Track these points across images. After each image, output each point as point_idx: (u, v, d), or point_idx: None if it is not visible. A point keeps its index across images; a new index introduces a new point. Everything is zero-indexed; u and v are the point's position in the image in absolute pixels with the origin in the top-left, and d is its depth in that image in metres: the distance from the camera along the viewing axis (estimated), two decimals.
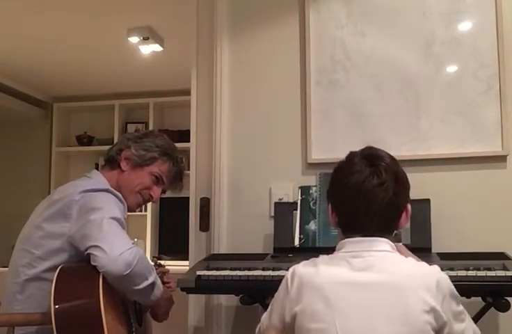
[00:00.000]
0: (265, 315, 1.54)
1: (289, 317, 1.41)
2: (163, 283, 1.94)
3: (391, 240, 1.47)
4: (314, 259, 1.46)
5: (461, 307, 1.42)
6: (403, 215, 1.48)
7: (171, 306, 1.98)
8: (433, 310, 1.33)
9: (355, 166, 1.46)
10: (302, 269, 1.43)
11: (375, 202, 1.42)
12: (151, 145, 2.02)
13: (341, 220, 1.49)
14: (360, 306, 1.33)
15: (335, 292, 1.35)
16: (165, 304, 1.94)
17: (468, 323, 1.45)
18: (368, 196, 1.42)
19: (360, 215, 1.44)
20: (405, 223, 1.49)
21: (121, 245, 1.65)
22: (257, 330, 1.59)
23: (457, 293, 1.42)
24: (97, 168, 2.36)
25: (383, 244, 1.44)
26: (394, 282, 1.36)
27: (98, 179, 1.95)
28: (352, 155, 1.51)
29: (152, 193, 2.02)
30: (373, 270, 1.38)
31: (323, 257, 1.46)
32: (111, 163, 2.02)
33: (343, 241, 1.47)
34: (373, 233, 1.44)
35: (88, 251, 1.65)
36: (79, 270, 1.69)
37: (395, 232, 1.50)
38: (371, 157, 1.48)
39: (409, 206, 1.49)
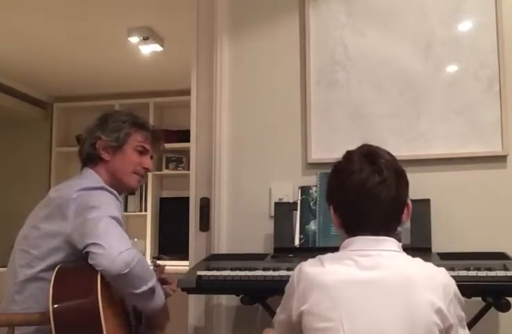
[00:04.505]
0: (278, 310, 1.52)
1: (295, 316, 1.39)
2: (162, 281, 1.92)
3: (396, 238, 1.45)
4: (319, 256, 1.44)
5: (463, 313, 1.41)
6: (405, 211, 1.46)
7: (167, 320, 1.90)
8: (439, 311, 1.32)
9: (355, 165, 1.43)
10: (309, 268, 1.41)
11: (379, 200, 1.40)
12: (117, 124, 1.97)
13: (345, 221, 1.46)
14: (367, 305, 1.32)
15: (342, 291, 1.34)
16: (162, 315, 1.87)
17: (468, 331, 1.45)
18: (371, 194, 1.40)
19: (365, 214, 1.42)
20: (407, 219, 1.48)
21: (120, 245, 1.64)
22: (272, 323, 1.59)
23: (462, 298, 1.41)
24: None
25: (391, 243, 1.42)
26: (401, 281, 1.35)
27: (92, 177, 1.92)
28: (350, 154, 1.48)
29: (144, 165, 2.00)
30: (381, 269, 1.36)
31: (328, 255, 1.43)
32: (91, 159, 1.96)
33: (349, 239, 1.44)
34: (379, 232, 1.42)
35: (87, 249, 1.65)
36: (77, 269, 1.69)
37: (398, 229, 1.49)
38: (370, 155, 1.45)
39: (409, 201, 1.48)
